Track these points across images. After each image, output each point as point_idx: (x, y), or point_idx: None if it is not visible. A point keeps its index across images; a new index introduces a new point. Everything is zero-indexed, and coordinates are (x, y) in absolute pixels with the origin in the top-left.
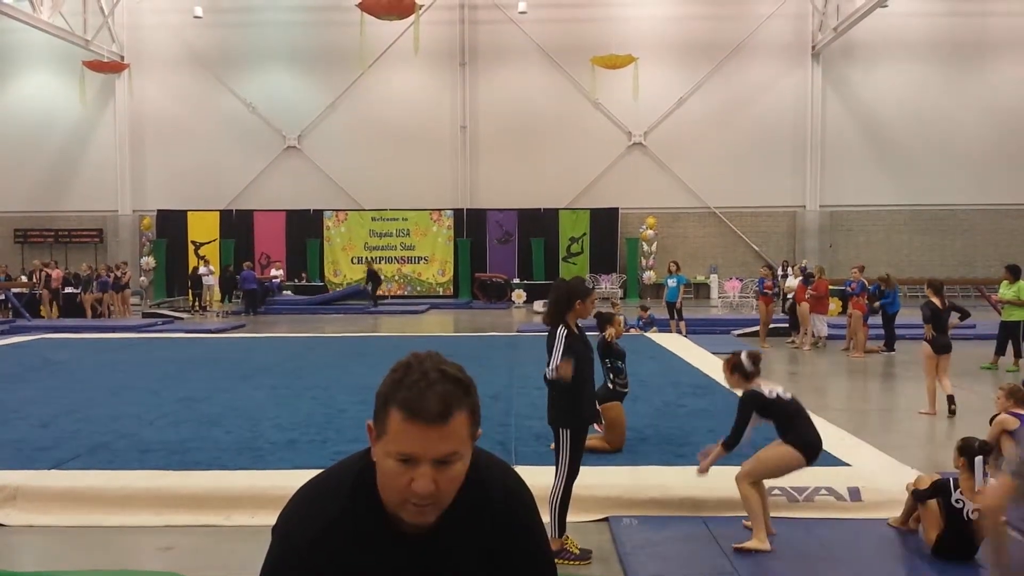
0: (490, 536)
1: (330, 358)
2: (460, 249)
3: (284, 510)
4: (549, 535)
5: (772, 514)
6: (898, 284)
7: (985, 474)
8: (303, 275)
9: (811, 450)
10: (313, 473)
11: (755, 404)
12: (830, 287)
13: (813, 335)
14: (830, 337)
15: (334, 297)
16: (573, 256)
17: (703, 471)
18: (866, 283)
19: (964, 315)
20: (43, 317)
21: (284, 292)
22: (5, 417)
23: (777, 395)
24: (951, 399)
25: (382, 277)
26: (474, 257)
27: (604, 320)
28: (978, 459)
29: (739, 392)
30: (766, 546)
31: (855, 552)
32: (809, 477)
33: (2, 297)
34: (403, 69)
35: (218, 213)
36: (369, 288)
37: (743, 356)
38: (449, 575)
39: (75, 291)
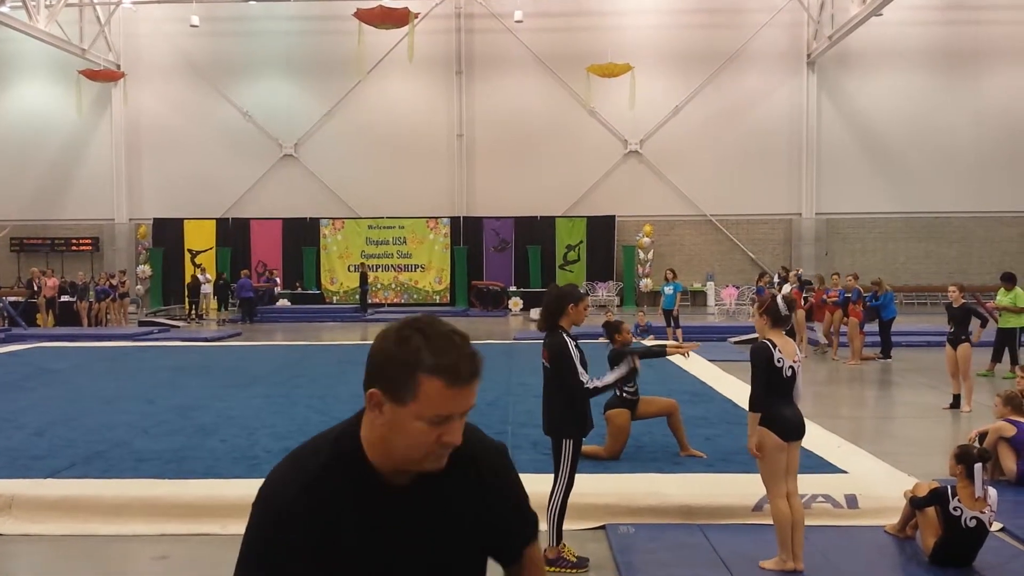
0: (467, 483)
1: (326, 366)
2: (457, 257)
3: (263, 484)
4: (547, 543)
5: (762, 521)
6: (890, 289)
7: (985, 481)
8: (298, 285)
9: (779, 426)
10: None
11: (765, 357)
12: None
13: (811, 342)
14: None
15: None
16: (570, 264)
17: (752, 450)
18: (861, 290)
19: (983, 321)
20: (39, 325)
21: (280, 301)
22: (0, 426)
23: (782, 365)
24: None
25: (368, 286)
26: (471, 265)
27: (612, 329)
28: (977, 466)
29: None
30: (788, 566)
31: (852, 559)
32: (806, 484)
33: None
34: (400, 78)
35: (214, 221)
36: (367, 299)
37: (779, 298)
38: (432, 522)
39: (71, 299)
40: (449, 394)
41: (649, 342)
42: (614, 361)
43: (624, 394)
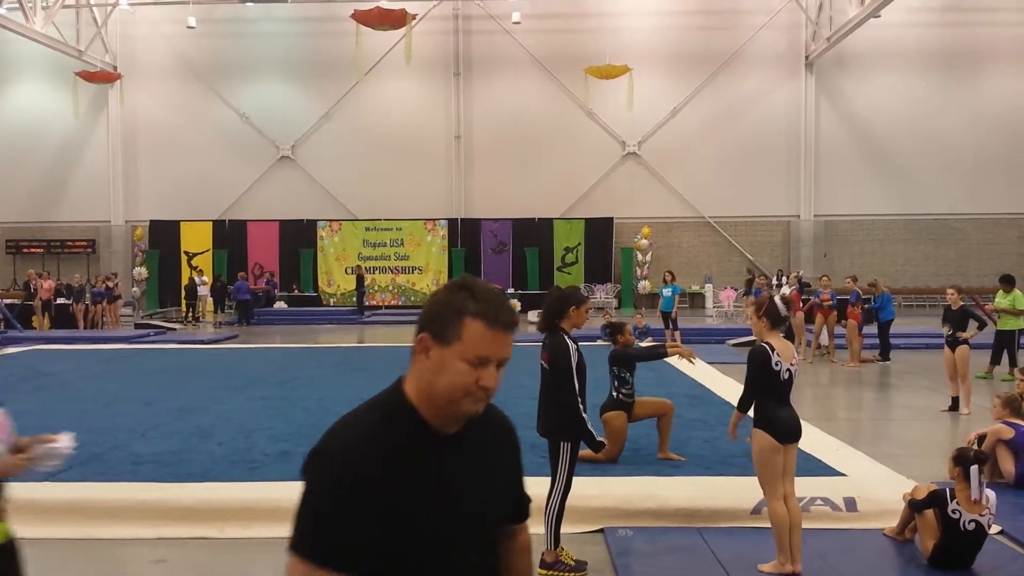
0: (497, 440)
1: (323, 368)
2: (454, 259)
3: (317, 447)
4: (545, 547)
5: (760, 524)
6: (887, 291)
7: (981, 483)
8: (295, 287)
9: (775, 428)
10: None
11: (763, 361)
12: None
13: (811, 344)
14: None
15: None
16: (568, 266)
17: (732, 439)
18: (860, 292)
19: (981, 323)
20: (35, 328)
21: (277, 303)
22: None
23: (780, 368)
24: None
25: (365, 288)
26: (468, 267)
27: (615, 330)
28: (973, 468)
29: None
30: (786, 568)
31: (851, 562)
32: (805, 487)
33: None
34: (397, 79)
35: (211, 223)
36: (364, 301)
37: (777, 299)
38: (479, 469)
39: (67, 302)
40: (488, 336)
41: (646, 344)
42: (615, 362)
43: (620, 396)
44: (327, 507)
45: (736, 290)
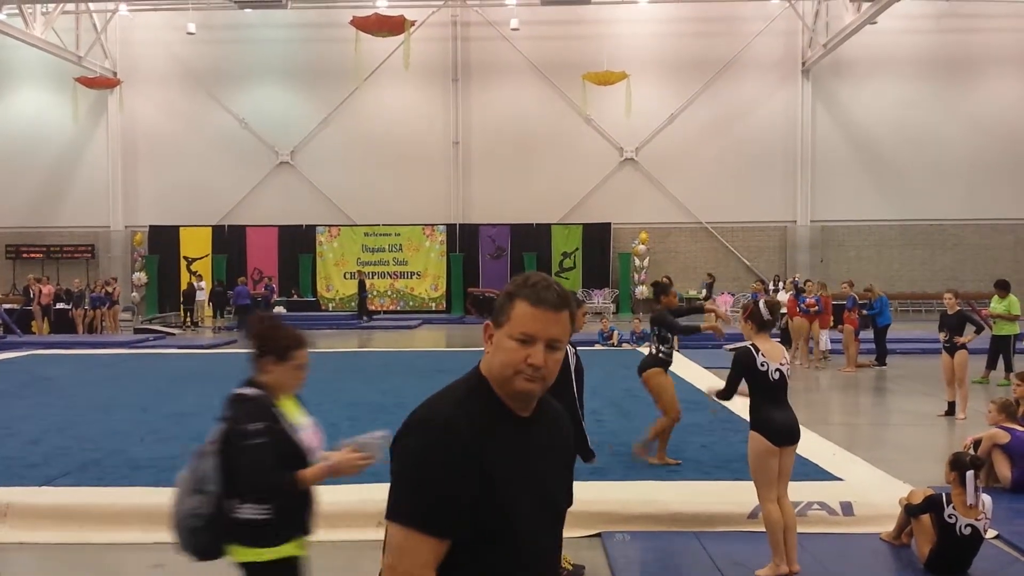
0: (560, 429)
1: (322, 374)
2: (453, 264)
3: (411, 420)
4: None
5: (757, 528)
6: (883, 294)
7: (977, 488)
8: (293, 292)
9: (769, 431)
10: None
11: (747, 362)
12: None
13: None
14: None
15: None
16: (566, 271)
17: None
18: (856, 297)
19: (979, 328)
20: (35, 333)
21: (276, 308)
22: None
23: (767, 368)
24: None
25: (367, 292)
26: (467, 272)
27: (660, 290)
28: (969, 473)
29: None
30: (782, 569)
31: (848, 566)
32: (802, 492)
33: None
34: (396, 85)
35: (210, 229)
36: (364, 304)
37: (760, 304)
38: (550, 450)
39: (67, 307)
40: (533, 314)
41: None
42: (657, 322)
43: (660, 354)
44: (429, 472)
45: (733, 295)
